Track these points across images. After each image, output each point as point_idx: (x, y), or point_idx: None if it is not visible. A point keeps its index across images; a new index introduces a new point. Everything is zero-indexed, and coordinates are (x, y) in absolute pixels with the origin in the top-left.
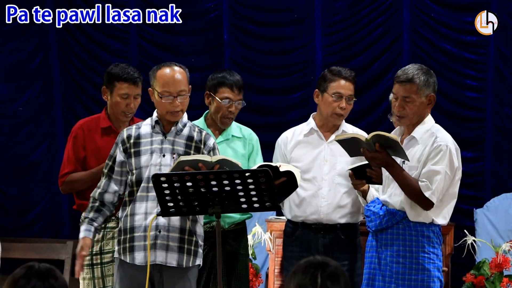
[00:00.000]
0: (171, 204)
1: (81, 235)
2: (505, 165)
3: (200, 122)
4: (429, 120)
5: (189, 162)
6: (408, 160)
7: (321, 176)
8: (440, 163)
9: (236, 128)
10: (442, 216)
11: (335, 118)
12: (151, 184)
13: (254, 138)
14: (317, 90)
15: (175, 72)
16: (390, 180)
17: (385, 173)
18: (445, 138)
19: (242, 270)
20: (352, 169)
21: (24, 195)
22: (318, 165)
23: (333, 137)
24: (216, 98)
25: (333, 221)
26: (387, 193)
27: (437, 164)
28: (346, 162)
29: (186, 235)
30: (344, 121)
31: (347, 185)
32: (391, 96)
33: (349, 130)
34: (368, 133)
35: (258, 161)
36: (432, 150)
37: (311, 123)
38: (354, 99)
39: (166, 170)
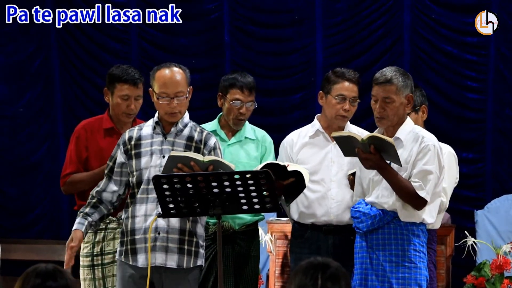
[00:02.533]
0: (172, 206)
1: (74, 227)
2: (505, 166)
3: (214, 123)
4: (409, 121)
5: (181, 159)
6: (401, 166)
7: (329, 178)
8: (431, 163)
9: (250, 129)
10: (430, 215)
11: (339, 120)
12: (150, 186)
13: (268, 140)
14: (321, 92)
15: (174, 73)
16: (375, 182)
17: (368, 175)
18: (431, 138)
19: (251, 272)
20: (352, 174)
21: (25, 196)
22: (326, 167)
23: None
24: (227, 99)
25: (343, 222)
26: (372, 194)
27: (428, 164)
28: (352, 163)
29: (186, 236)
30: (348, 122)
31: None
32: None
33: (354, 131)
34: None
35: None
36: (421, 150)
37: (316, 124)
38: (358, 100)
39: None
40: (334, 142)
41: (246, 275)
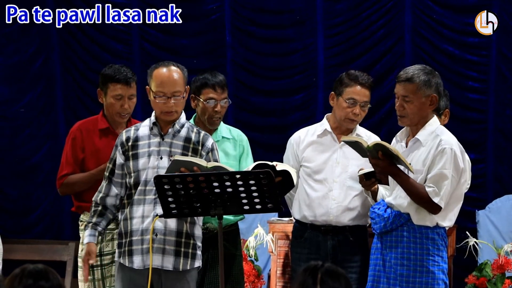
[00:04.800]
0: (173, 206)
1: (85, 240)
2: (506, 167)
3: None
4: (434, 122)
5: (185, 163)
6: (413, 173)
7: (332, 178)
8: (447, 167)
9: (225, 129)
10: (448, 219)
11: (347, 122)
12: (148, 187)
13: (244, 139)
14: (332, 92)
15: (171, 72)
16: (395, 183)
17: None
18: (450, 141)
19: (238, 271)
20: (365, 174)
21: (26, 196)
22: (330, 167)
23: None
24: (201, 100)
25: (342, 223)
26: (392, 195)
27: (444, 168)
28: (358, 165)
29: (183, 238)
30: (358, 125)
31: (358, 188)
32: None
33: (362, 133)
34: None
35: (249, 162)
36: (437, 153)
37: (324, 124)
38: (369, 105)
39: (163, 172)
40: (341, 143)
41: (234, 275)
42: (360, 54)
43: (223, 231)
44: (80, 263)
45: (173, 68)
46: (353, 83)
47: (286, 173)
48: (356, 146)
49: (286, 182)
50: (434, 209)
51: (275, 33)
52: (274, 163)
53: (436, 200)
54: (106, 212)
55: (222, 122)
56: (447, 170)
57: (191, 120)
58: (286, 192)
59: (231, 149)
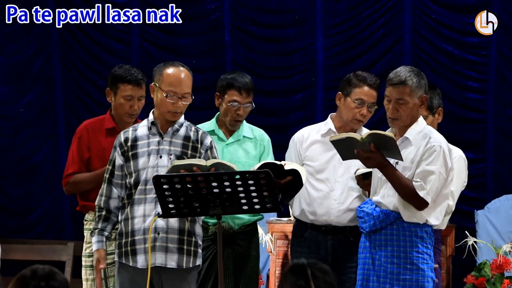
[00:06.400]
0: (172, 206)
1: (94, 247)
2: (506, 167)
3: (212, 123)
4: (421, 121)
5: (184, 166)
6: (402, 160)
7: (334, 178)
8: (434, 163)
9: (247, 129)
10: (434, 217)
11: (354, 123)
12: (148, 186)
13: (266, 139)
14: (340, 93)
15: (184, 74)
16: (383, 181)
17: (377, 174)
18: (439, 139)
19: (252, 272)
20: (363, 174)
21: (26, 196)
22: (332, 167)
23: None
24: (225, 99)
25: (343, 224)
26: (379, 194)
27: (431, 164)
28: (360, 165)
29: (185, 236)
30: (362, 126)
31: (359, 189)
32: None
33: None
34: None
35: None
36: (426, 150)
37: (329, 123)
38: (375, 107)
39: (163, 171)
40: None
41: (247, 275)
42: (360, 54)
43: (239, 231)
44: (84, 262)
45: (185, 69)
46: (362, 84)
47: (295, 172)
48: (345, 144)
49: (295, 181)
50: (421, 203)
51: (275, 33)
52: (283, 162)
53: (422, 194)
54: (110, 216)
55: (245, 121)
56: (435, 166)
57: (214, 118)
58: (296, 192)
59: (252, 149)
